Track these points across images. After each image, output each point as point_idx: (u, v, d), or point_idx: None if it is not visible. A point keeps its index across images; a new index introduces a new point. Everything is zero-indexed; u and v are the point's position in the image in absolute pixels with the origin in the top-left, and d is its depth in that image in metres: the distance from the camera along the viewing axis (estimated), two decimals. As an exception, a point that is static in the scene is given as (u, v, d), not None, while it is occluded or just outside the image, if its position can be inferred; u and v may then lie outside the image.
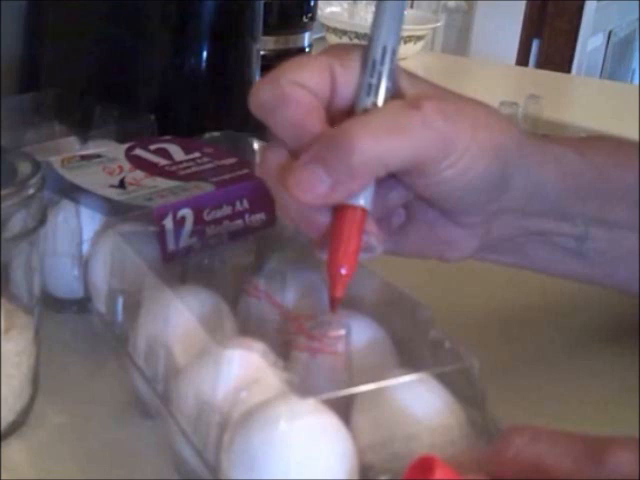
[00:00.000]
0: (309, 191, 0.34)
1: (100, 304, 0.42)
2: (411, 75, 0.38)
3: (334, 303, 0.35)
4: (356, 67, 0.36)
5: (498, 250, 0.43)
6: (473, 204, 0.39)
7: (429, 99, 0.35)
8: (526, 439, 0.29)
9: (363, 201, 0.35)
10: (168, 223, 0.44)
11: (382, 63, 0.36)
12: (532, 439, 0.29)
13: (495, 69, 1.34)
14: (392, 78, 0.36)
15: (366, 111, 0.36)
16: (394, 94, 0.36)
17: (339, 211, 0.35)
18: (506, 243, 0.42)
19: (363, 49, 0.36)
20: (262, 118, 0.36)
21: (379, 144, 0.33)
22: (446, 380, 0.34)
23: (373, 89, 0.36)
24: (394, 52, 0.36)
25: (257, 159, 0.56)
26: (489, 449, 0.30)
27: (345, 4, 1.28)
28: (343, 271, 0.35)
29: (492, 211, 0.40)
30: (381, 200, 0.37)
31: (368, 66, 0.36)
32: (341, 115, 0.36)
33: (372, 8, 0.38)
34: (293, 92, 0.35)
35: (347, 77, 0.36)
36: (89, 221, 0.46)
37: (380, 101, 0.36)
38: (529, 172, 0.39)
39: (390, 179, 0.36)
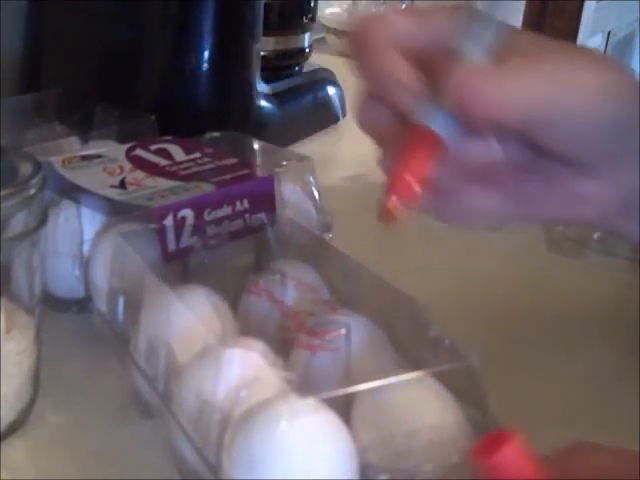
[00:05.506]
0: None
1: (101, 304, 0.42)
2: (515, 29, 0.40)
3: (389, 215, 0.32)
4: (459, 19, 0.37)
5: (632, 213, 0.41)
6: (601, 151, 0.38)
7: (552, 51, 0.37)
8: (590, 453, 0.28)
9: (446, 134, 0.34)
10: (169, 223, 0.44)
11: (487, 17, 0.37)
12: (595, 453, 0.28)
13: (495, 69, 1.34)
14: (499, 31, 0.37)
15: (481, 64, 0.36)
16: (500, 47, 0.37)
17: (420, 133, 0.34)
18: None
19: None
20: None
21: (527, 89, 0.35)
22: (446, 378, 0.34)
23: (480, 41, 0.36)
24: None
25: (257, 159, 0.56)
26: (551, 458, 0.28)
27: (345, 5, 1.28)
28: (409, 179, 0.33)
29: (623, 162, 0.38)
30: (507, 155, 0.37)
31: (477, 17, 0.37)
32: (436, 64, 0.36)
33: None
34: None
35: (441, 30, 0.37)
36: (90, 221, 0.46)
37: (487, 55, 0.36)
38: None
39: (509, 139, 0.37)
